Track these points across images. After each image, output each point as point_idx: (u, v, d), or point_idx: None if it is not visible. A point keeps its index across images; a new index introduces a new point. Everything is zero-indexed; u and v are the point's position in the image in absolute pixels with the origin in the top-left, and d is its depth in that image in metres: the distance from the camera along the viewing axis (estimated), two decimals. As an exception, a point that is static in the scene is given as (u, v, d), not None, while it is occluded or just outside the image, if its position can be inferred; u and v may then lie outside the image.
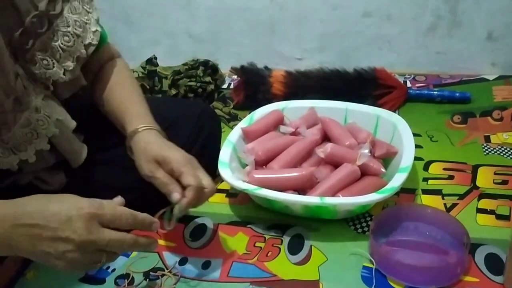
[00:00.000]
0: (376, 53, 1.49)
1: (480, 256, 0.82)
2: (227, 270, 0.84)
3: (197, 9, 1.55)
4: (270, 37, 1.55)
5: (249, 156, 0.98)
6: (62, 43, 0.76)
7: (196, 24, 1.58)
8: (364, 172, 0.94)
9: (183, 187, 0.75)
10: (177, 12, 1.57)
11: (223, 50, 1.60)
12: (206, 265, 0.86)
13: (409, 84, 1.42)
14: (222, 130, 1.09)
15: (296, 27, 1.51)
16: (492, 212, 0.91)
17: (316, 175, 0.92)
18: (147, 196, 0.77)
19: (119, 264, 0.87)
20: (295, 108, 1.13)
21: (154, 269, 0.85)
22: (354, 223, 0.92)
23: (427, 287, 0.77)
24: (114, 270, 0.86)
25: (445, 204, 0.95)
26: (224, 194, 1.04)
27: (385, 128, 1.04)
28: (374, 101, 1.26)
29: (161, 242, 0.91)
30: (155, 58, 1.49)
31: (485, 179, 1.01)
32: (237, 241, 0.91)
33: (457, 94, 1.30)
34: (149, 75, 1.43)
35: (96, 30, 0.82)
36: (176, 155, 0.77)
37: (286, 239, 0.90)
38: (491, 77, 1.41)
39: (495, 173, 1.02)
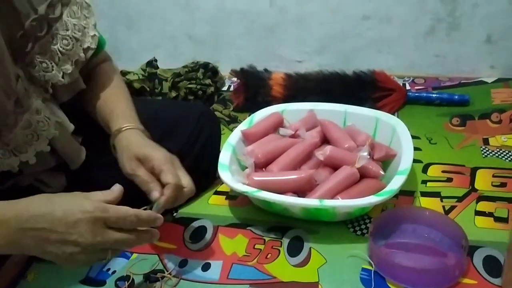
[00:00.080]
0: (375, 55, 1.49)
1: (478, 258, 0.82)
2: (227, 272, 0.84)
3: (197, 12, 1.56)
4: (270, 40, 1.55)
5: (248, 158, 0.98)
6: (61, 47, 0.76)
7: (196, 27, 1.59)
8: (363, 174, 0.94)
9: (163, 186, 0.76)
10: (178, 14, 1.58)
11: (223, 52, 1.60)
12: (206, 267, 0.86)
13: (408, 87, 1.43)
14: (222, 132, 1.10)
15: (296, 30, 1.51)
16: (490, 214, 0.92)
17: (315, 177, 0.93)
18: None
19: (119, 266, 0.87)
20: (294, 111, 1.13)
21: (154, 271, 0.85)
22: (353, 225, 0.92)
23: (426, 289, 0.78)
24: (114, 272, 0.86)
25: (443, 207, 0.95)
26: (224, 196, 1.04)
27: (384, 131, 1.04)
28: (373, 104, 1.26)
29: (161, 244, 0.91)
30: (156, 60, 1.49)
31: (483, 181, 1.01)
32: (237, 243, 0.91)
33: (456, 97, 1.31)
34: (150, 77, 1.43)
35: (95, 34, 0.83)
36: (157, 154, 0.78)
37: (286, 241, 0.90)
38: (489, 80, 1.41)
39: (493, 176, 1.02)
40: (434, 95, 1.33)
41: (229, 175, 0.93)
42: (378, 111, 1.09)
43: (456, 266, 0.78)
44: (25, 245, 0.63)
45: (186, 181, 0.78)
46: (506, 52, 1.40)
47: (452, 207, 0.95)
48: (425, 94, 1.34)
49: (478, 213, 0.92)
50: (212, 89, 1.44)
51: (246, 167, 0.98)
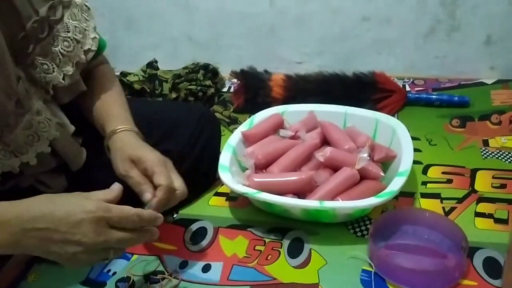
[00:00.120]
0: (375, 57, 1.49)
1: (478, 259, 0.82)
2: (227, 273, 0.85)
3: (197, 13, 1.56)
4: (270, 41, 1.55)
5: (249, 159, 0.98)
6: (62, 48, 0.77)
7: (196, 28, 1.59)
8: (363, 176, 0.94)
9: (156, 188, 0.76)
10: (178, 16, 1.58)
11: (223, 53, 1.60)
12: (206, 269, 0.86)
13: (408, 88, 1.43)
14: (222, 134, 1.10)
15: (296, 31, 1.51)
16: (490, 216, 0.92)
17: (315, 179, 0.93)
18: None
19: (120, 267, 0.87)
20: (294, 112, 1.13)
21: (155, 273, 0.85)
22: (354, 226, 0.93)
23: (426, 291, 0.78)
24: (115, 273, 0.86)
25: (443, 208, 0.95)
26: (224, 198, 1.04)
27: (384, 132, 1.04)
28: (373, 105, 1.26)
29: (161, 245, 0.91)
30: (156, 61, 1.49)
31: (483, 183, 1.01)
32: (237, 244, 0.91)
33: (456, 98, 1.31)
34: (150, 78, 1.43)
35: (95, 37, 0.83)
36: (150, 155, 0.78)
37: (286, 243, 0.90)
38: (489, 81, 1.41)
39: (493, 177, 1.02)
40: (434, 97, 1.33)
41: (229, 176, 0.93)
42: (378, 113, 1.10)
43: (456, 268, 0.78)
44: (27, 245, 0.63)
45: (178, 183, 0.78)
46: (506, 53, 1.40)
47: (452, 209, 0.95)
48: (425, 96, 1.34)
49: (478, 214, 0.93)
50: (212, 90, 1.44)
51: (247, 168, 0.98)
